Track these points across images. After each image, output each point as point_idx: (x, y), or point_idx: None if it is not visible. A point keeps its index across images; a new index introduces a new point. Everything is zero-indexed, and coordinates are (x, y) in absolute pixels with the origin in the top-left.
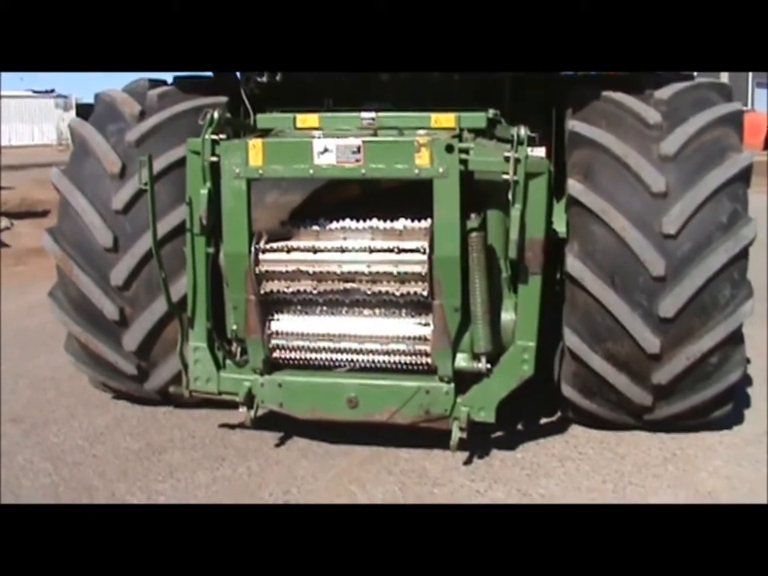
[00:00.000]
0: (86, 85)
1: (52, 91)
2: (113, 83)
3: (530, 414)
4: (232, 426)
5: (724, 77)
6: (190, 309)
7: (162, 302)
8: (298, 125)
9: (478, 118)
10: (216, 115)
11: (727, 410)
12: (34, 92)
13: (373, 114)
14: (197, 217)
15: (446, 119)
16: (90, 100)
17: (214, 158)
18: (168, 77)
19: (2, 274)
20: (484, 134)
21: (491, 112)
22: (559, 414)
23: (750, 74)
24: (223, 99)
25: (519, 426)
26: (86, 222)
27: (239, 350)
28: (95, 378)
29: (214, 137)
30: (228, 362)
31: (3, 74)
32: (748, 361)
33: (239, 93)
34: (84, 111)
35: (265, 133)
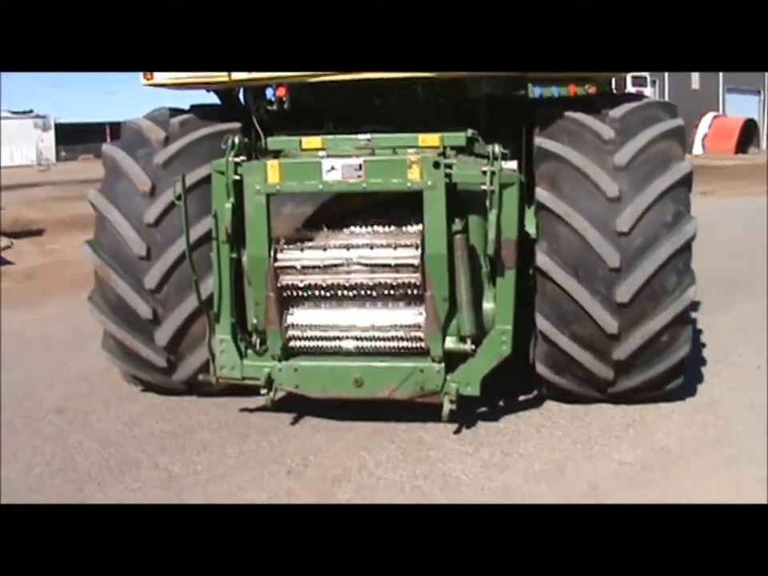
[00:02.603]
0: (63, 105)
1: (30, 112)
2: (92, 104)
3: (510, 392)
4: (251, 410)
5: (695, 82)
6: (216, 306)
7: (189, 301)
8: (304, 146)
9: (458, 138)
10: (236, 140)
11: (679, 382)
12: (12, 113)
13: (368, 136)
14: (222, 227)
15: (431, 139)
16: (69, 119)
17: (237, 177)
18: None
19: (13, 290)
20: (464, 150)
21: (470, 131)
22: (535, 392)
23: (722, 80)
24: (237, 125)
25: (501, 402)
26: (122, 234)
27: (258, 340)
28: (128, 372)
29: (236, 159)
30: (249, 351)
31: None
32: (703, 345)
33: (250, 118)
34: (63, 131)
35: (276, 154)
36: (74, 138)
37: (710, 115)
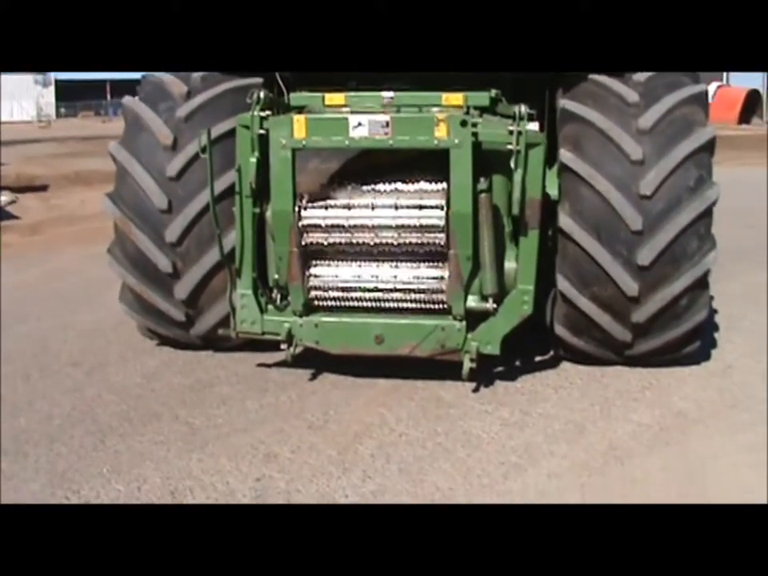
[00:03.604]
0: None
1: None
2: None
3: (526, 352)
4: (269, 365)
5: None
6: (237, 260)
7: (210, 256)
8: (327, 102)
9: (482, 97)
10: (261, 95)
11: (695, 346)
12: None
13: (392, 94)
14: (246, 181)
15: (455, 98)
16: (69, 76)
17: (262, 131)
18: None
19: (19, 244)
20: (487, 110)
21: (494, 92)
22: (551, 353)
23: None
24: (259, 80)
25: (517, 362)
26: (143, 187)
27: (279, 296)
28: (145, 325)
29: (262, 113)
30: (270, 306)
31: None
32: (715, 311)
33: (272, 74)
34: (64, 87)
35: (299, 109)
36: (74, 94)
37: (713, 85)
